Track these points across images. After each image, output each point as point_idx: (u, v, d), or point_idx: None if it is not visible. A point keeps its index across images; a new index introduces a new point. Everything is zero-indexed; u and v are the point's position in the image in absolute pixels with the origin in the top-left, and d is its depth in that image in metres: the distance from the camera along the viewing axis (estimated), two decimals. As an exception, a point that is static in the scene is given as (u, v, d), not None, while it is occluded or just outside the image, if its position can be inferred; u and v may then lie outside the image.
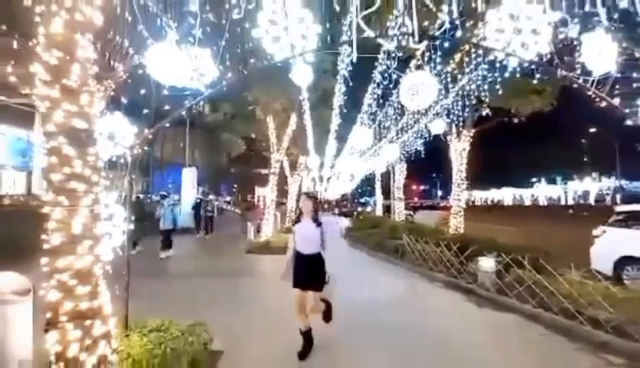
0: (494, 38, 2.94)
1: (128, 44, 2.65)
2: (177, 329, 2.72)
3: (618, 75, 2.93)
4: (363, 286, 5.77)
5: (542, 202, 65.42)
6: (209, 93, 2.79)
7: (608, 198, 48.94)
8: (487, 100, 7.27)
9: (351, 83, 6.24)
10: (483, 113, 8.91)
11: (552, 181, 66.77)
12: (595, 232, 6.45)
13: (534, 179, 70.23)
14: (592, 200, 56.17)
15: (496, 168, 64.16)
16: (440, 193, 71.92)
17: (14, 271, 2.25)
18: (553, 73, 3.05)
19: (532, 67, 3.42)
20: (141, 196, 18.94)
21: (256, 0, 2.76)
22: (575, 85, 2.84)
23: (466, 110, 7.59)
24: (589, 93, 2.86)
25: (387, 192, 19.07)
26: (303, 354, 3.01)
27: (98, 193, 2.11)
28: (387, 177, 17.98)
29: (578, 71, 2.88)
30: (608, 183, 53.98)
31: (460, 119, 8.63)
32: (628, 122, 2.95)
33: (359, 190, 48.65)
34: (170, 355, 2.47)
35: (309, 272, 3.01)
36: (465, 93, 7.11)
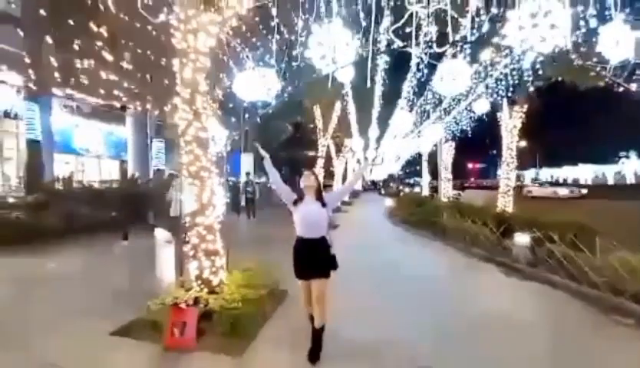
0: (514, 35, 3.34)
1: (223, 75, 3.75)
2: (260, 269, 3.94)
3: (638, 61, 3.10)
4: (400, 259, 6.55)
5: (630, 180, 55.29)
6: (275, 104, 3.80)
7: None
8: (541, 72, 7.06)
9: (388, 72, 6.68)
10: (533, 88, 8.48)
11: (644, 154, 55.30)
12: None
13: (622, 153, 59.18)
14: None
15: (571, 142, 55.81)
16: (499, 172, 65.88)
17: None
18: (571, 62, 3.32)
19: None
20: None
21: (307, 27, 3.61)
22: (592, 73, 3.12)
23: (513, 86, 7.45)
24: (606, 79, 3.13)
25: (435, 172, 18.81)
26: (312, 354, 2.61)
27: (214, 178, 3.30)
28: (434, 157, 17.72)
29: (595, 60, 3.14)
30: None
31: (509, 95, 8.43)
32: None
33: (406, 171, 47.55)
34: (257, 286, 3.68)
35: (312, 259, 2.61)
36: (512, 69, 7.02)
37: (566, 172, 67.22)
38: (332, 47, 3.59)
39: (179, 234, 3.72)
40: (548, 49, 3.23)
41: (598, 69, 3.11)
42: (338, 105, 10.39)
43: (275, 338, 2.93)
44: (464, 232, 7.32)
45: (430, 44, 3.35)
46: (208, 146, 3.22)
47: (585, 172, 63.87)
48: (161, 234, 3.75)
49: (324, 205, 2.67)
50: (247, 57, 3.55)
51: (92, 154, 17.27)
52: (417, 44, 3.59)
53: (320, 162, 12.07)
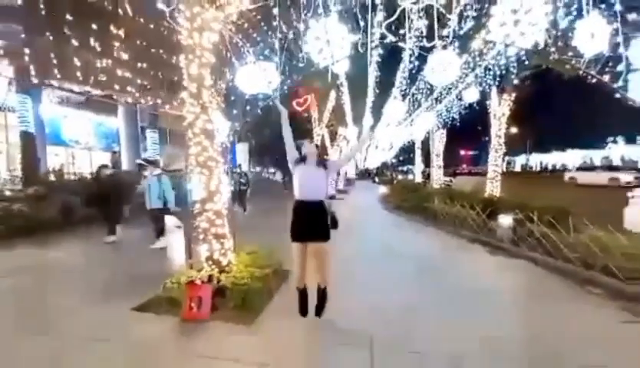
0: (496, 31, 3.59)
1: (226, 69, 3.93)
2: (263, 252, 4.24)
3: (611, 54, 3.39)
4: (394, 241, 6.95)
5: (617, 163, 56.72)
6: (275, 96, 4.00)
7: None
8: (527, 63, 7.36)
9: (382, 63, 6.87)
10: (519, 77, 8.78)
11: (631, 139, 56.16)
12: (629, 194, 6.65)
13: (610, 139, 60.17)
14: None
15: (560, 127, 56.67)
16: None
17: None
18: (547, 56, 3.60)
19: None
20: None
21: (306, 23, 3.79)
22: (567, 66, 3.42)
23: (500, 75, 7.73)
24: (580, 71, 3.42)
25: (427, 160, 19.23)
26: (302, 312, 2.90)
27: (220, 167, 3.54)
28: (427, 145, 18.09)
29: (570, 54, 3.42)
30: None
31: (498, 84, 8.72)
32: (617, 95, 3.42)
33: (400, 158, 48.02)
34: (262, 266, 3.99)
35: (310, 222, 2.66)
36: (499, 60, 7.28)
37: (555, 158, 68.67)
38: (328, 42, 3.80)
39: (187, 220, 3.98)
40: (528, 44, 3.50)
41: (573, 62, 3.39)
42: (332, 94, 10.55)
43: (280, 310, 3.26)
44: (454, 216, 7.74)
45: (420, 38, 3.57)
46: (214, 137, 3.44)
47: (572, 158, 65.27)
48: (171, 220, 4.00)
49: (325, 168, 2.75)
50: (248, 51, 3.73)
51: (82, 145, 17.09)
52: (409, 38, 3.81)
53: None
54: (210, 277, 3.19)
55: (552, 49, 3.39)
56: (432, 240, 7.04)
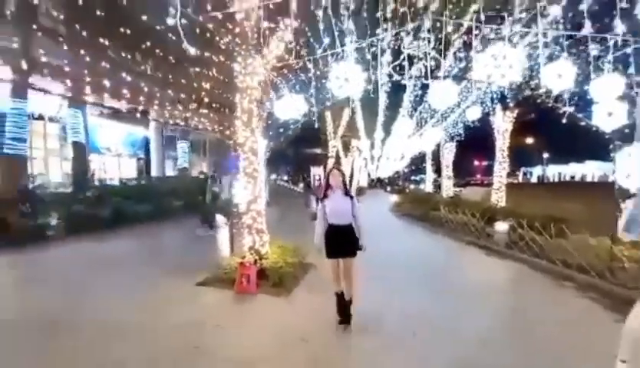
0: (480, 71, 4.50)
1: (266, 100, 5.00)
2: (289, 247, 5.20)
3: (577, 90, 4.22)
4: (404, 244, 7.77)
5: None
6: (302, 120, 5.04)
7: None
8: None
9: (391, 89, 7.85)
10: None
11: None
12: (622, 204, 7.24)
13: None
14: None
15: (577, 138, 55.34)
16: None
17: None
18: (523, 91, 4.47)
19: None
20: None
21: (329, 65, 4.81)
22: (538, 100, 4.28)
23: (497, 98, 8.55)
24: (549, 105, 4.28)
25: (439, 170, 19.85)
26: (344, 320, 3.17)
27: (261, 176, 4.57)
28: (438, 155, 18.79)
29: (543, 90, 4.29)
30: None
31: (495, 104, 9.52)
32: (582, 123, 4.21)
33: (412, 168, 48.36)
34: (290, 256, 4.94)
35: (341, 242, 3.10)
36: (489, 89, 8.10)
37: (573, 169, 66.71)
38: (347, 79, 4.81)
39: (231, 219, 5.02)
40: (506, 83, 4.39)
41: (542, 96, 4.26)
42: (346, 111, 11.60)
43: (307, 289, 4.19)
44: (458, 223, 8.49)
45: (419, 77, 4.53)
46: (257, 153, 4.49)
47: (592, 169, 63.24)
48: (219, 219, 5.05)
49: (351, 197, 3.20)
50: (283, 87, 4.79)
51: (113, 153, 18.65)
52: (410, 77, 4.76)
53: (330, 162, 13.31)
54: (255, 261, 4.18)
55: (524, 86, 4.26)
56: (437, 243, 7.83)
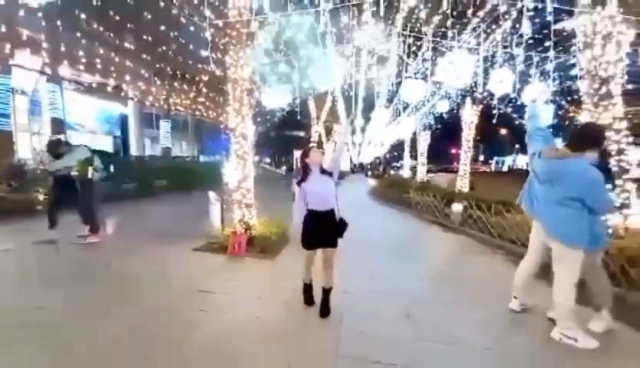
0: (441, 74, 5.30)
1: (256, 91, 5.55)
2: (272, 220, 5.94)
3: (515, 95, 5.15)
4: (375, 222, 8.76)
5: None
6: (288, 109, 5.67)
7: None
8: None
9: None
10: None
11: None
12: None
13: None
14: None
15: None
16: (481, 158, 69.52)
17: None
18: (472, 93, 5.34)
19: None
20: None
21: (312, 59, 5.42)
22: (484, 102, 5.16)
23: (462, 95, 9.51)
24: (493, 108, 5.18)
25: (416, 157, 21.11)
26: (323, 311, 2.93)
27: (250, 158, 5.22)
28: (415, 143, 19.94)
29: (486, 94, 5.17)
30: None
31: (469, 96, 10.50)
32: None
33: (394, 154, 49.90)
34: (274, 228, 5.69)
35: (323, 231, 2.84)
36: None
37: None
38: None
39: (222, 195, 5.65)
40: (461, 85, 5.24)
41: (487, 99, 5.15)
42: (329, 97, 12.19)
43: (289, 254, 5.00)
44: (423, 204, 9.58)
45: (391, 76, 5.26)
46: (247, 138, 5.11)
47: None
48: (211, 195, 5.67)
49: (329, 174, 2.85)
50: (270, 78, 5.36)
51: (86, 130, 18.14)
52: (388, 77, 5.46)
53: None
54: (245, 230, 4.90)
55: (474, 89, 5.12)
56: (404, 221, 8.89)
